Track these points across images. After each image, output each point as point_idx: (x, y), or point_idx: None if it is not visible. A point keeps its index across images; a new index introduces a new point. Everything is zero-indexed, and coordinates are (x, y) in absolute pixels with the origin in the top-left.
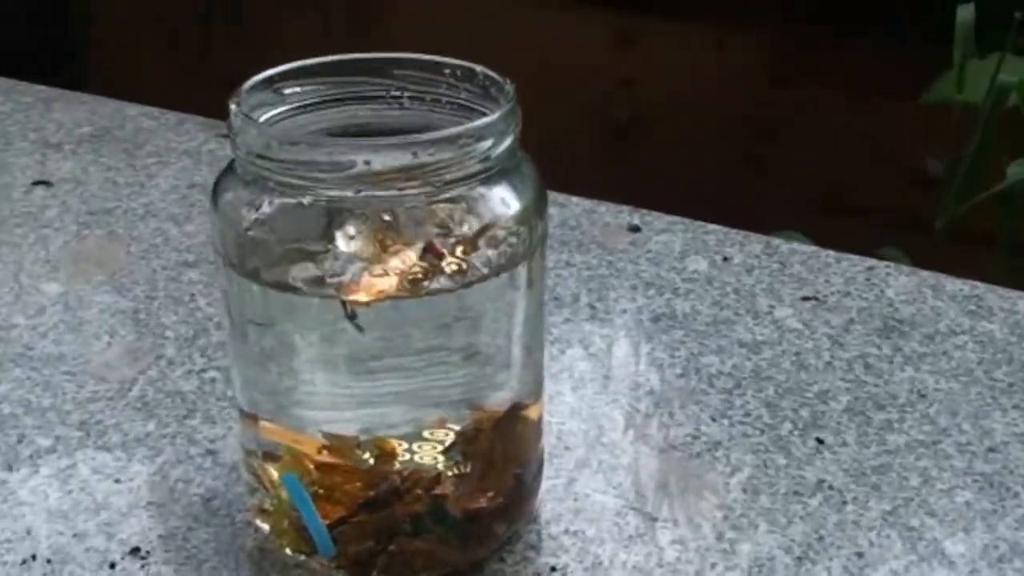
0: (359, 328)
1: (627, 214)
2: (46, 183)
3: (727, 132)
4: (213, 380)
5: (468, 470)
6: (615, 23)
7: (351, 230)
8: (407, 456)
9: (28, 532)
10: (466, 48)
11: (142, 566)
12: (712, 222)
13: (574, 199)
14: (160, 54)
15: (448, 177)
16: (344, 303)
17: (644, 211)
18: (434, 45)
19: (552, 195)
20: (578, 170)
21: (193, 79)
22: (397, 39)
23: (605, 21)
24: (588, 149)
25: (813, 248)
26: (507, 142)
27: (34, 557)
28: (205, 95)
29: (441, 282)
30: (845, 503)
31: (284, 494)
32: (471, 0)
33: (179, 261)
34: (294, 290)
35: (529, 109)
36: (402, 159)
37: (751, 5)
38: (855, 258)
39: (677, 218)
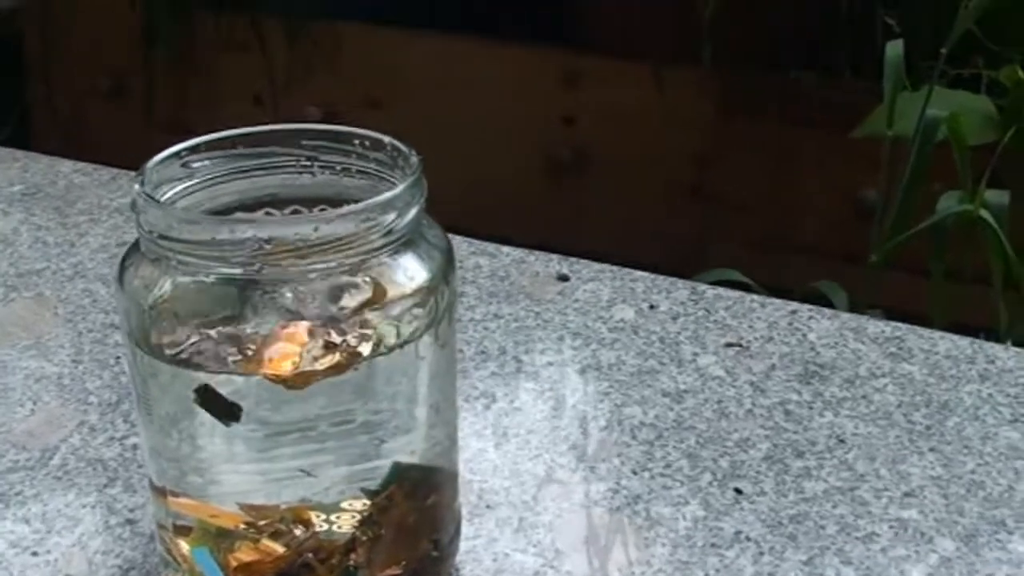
0: (228, 418)
1: (556, 263)
2: None
3: (667, 169)
4: (134, 447)
5: (382, 535)
6: (557, 62)
7: (251, 308)
8: (324, 527)
9: None
10: (408, 88)
11: None
12: (653, 258)
13: (504, 249)
14: (106, 104)
15: (351, 251)
16: (199, 390)
17: (573, 259)
18: (377, 84)
19: (483, 245)
20: (519, 208)
21: (139, 128)
22: (341, 78)
23: (547, 60)
24: (529, 187)
25: (738, 293)
26: (411, 213)
27: None
28: (151, 143)
29: (337, 360)
30: (762, 554)
31: (197, 568)
32: (414, 40)
33: (105, 323)
34: (196, 367)
35: (471, 147)
36: (303, 234)
37: (689, 43)
38: (779, 302)
39: (606, 266)
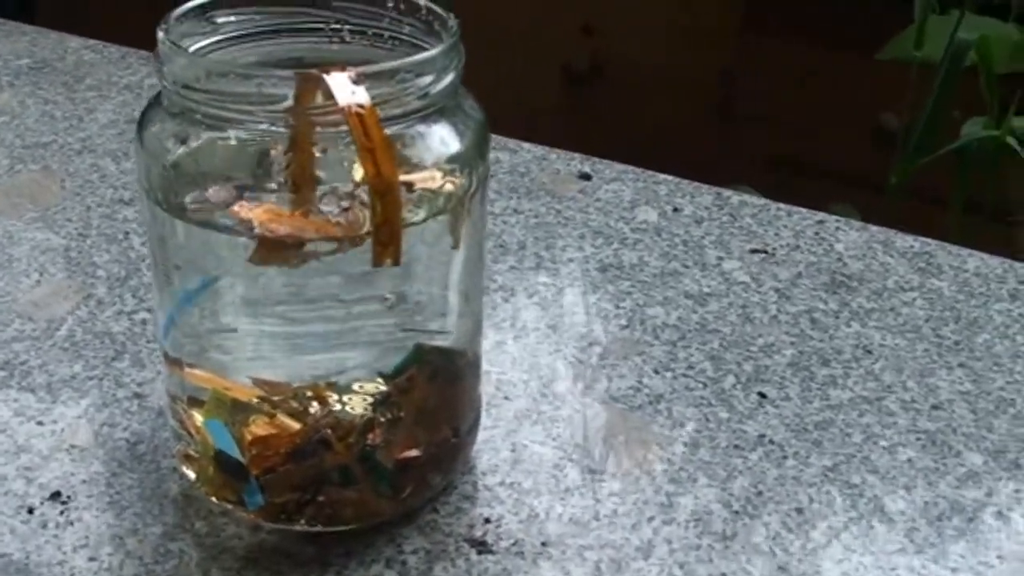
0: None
1: (578, 162)
2: None
3: (687, 83)
4: (144, 322)
5: (401, 418)
6: None
7: (279, 168)
8: (338, 407)
9: None
10: None
11: (62, 511)
12: (668, 173)
13: (525, 145)
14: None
15: (384, 114)
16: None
17: (595, 159)
18: None
19: (503, 141)
20: (534, 118)
21: (145, 13)
22: None
23: None
24: (545, 97)
25: (764, 201)
26: (448, 79)
27: None
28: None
29: (365, 229)
30: (786, 458)
31: (210, 440)
32: None
33: (114, 198)
34: (218, 228)
35: (487, 55)
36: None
37: None
38: (805, 212)
39: (628, 167)
